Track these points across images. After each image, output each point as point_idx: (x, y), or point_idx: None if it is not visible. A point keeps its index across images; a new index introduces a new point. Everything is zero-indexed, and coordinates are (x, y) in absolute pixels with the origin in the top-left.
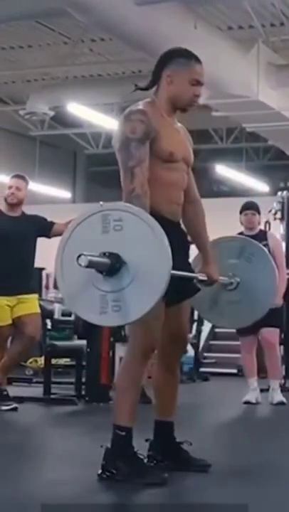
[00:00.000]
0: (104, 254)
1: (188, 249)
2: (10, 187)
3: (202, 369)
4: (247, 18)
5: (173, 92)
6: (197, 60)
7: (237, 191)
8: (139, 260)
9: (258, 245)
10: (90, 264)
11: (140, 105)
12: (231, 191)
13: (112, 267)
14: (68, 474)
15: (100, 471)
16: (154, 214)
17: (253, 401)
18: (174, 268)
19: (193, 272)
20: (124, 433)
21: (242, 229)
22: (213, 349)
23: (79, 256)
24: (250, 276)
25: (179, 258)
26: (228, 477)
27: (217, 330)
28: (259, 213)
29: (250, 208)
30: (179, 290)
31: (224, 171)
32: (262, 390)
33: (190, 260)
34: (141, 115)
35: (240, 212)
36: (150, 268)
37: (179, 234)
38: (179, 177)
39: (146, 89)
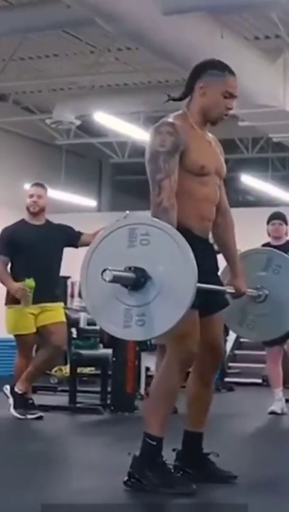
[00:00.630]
0: (129, 268)
1: (216, 263)
2: (31, 195)
3: (227, 379)
4: (273, 27)
5: (205, 103)
6: (231, 72)
7: (263, 201)
8: (164, 275)
9: (285, 257)
10: (115, 279)
11: (170, 118)
12: (257, 201)
13: (137, 281)
14: (94, 483)
15: (126, 478)
16: (183, 230)
17: (279, 411)
18: (202, 282)
19: (222, 285)
20: (154, 442)
21: (268, 239)
22: (238, 359)
23: (104, 271)
24: (279, 288)
25: (208, 273)
26: (254, 488)
27: (242, 340)
28: (286, 223)
29: (278, 217)
30: (208, 303)
31: (250, 180)
32: (287, 401)
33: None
34: (170, 128)
35: (268, 223)
36: (176, 282)
37: (208, 249)
38: (211, 191)
39: (179, 99)
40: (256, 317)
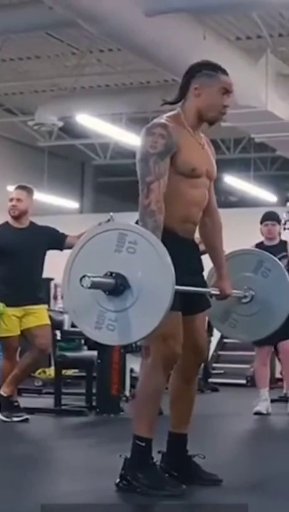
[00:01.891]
0: (110, 273)
1: (201, 263)
2: (11, 199)
3: (211, 380)
4: (255, 28)
5: (201, 104)
6: (224, 71)
7: (245, 202)
8: (144, 284)
9: (276, 262)
10: (93, 286)
11: (163, 119)
12: (239, 202)
13: (116, 287)
14: (83, 485)
15: (117, 480)
16: (167, 232)
17: (264, 412)
18: (186, 284)
19: (206, 286)
20: (143, 444)
21: (250, 240)
22: (222, 360)
23: (83, 277)
24: (266, 291)
25: (192, 273)
26: (242, 490)
27: (226, 340)
28: (279, 224)
29: (271, 218)
30: (192, 303)
31: (232, 181)
32: (272, 401)
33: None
34: (162, 129)
35: (261, 223)
36: (154, 290)
37: (192, 250)
38: (201, 194)
39: (174, 103)
40: (240, 317)
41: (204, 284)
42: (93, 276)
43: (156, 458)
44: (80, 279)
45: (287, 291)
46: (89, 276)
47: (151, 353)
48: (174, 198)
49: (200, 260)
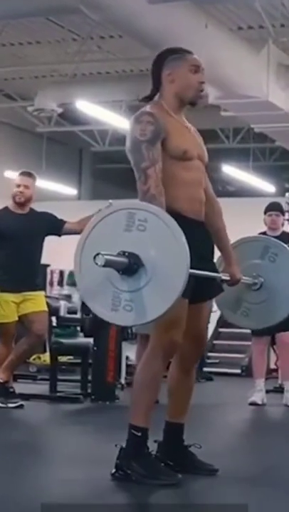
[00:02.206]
0: (123, 253)
1: (212, 249)
2: (18, 185)
3: (206, 369)
4: (257, 18)
5: (177, 88)
6: (188, 51)
7: (243, 191)
8: (157, 262)
9: (282, 245)
10: (107, 264)
11: (147, 108)
12: (237, 191)
13: (129, 267)
14: (78, 473)
15: (113, 471)
16: (175, 214)
17: (259, 402)
18: (197, 268)
19: (217, 272)
20: (139, 433)
21: (248, 229)
22: (217, 349)
23: (96, 255)
24: (274, 276)
25: (203, 258)
26: (237, 481)
27: (221, 330)
28: (283, 214)
29: (275, 209)
30: (202, 289)
31: (230, 171)
32: (267, 391)
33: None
34: (149, 117)
35: (265, 213)
36: (168, 270)
37: (203, 234)
38: (197, 175)
39: (151, 97)
40: (251, 305)
41: (215, 271)
42: (107, 254)
43: (152, 447)
44: (94, 257)
45: None
46: (103, 254)
47: (151, 340)
48: (173, 181)
49: (211, 245)
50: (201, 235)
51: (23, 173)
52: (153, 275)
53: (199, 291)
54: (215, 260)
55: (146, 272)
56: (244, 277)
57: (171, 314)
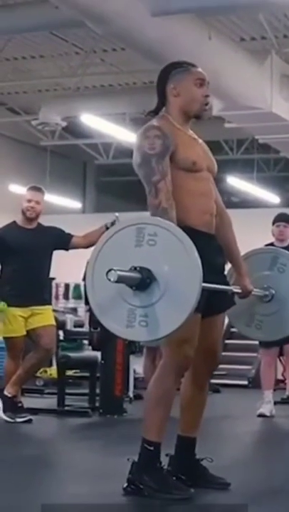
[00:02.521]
0: (135, 268)
1: (224, 262)
2: (29, 200)
3: (213, 380)
4: (260, 29)
5: (182, 101)
6: (193, 64)
7: (247, 202)
8: (170, 276)
9: None
10: (120, 280)
11: (154, 122)
12: (241, 202)
13: (142, 282)
14: (90, 488)
15: (125, 485)
16: (186, 227)
17: (268, 414)
18: (209, 282)
19: (228, 285)
20: (152, 448)
21: (253, 241)
22: (224, 360)
23: (109, 271)
24: (285, 287)
25: (214, 272)
26: (249, 495)
27: (227, 341)
28: None
29: (283, 219)
30: (214, 303)
31: (235, 182)
32: (276, 403)
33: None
34: (156, 130)
35: (273, 224)
36: (181, 284)
37: (214, 246)
38: (206, 186)
39: (156, 111)
40: (263, 317)
41: (226, 284)
42: (119, 270)
43: (164, 461)
44: (107, 273)
45: None
46: (115, 270)
47: (164, 355)
48: (182, 194)
49: (222, 258)
50: (213, 247)
51: (33, 188)
52: (166, 290)
53: (211, 304)
54: (226, 273)
55: (159, 286)
56: (255, 289)
57: (183, 329)
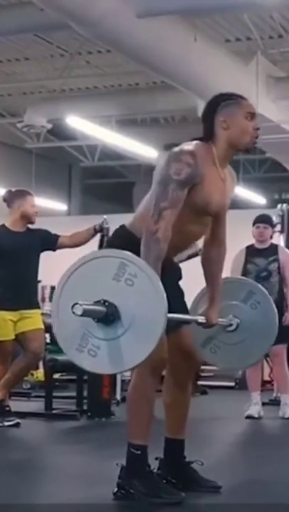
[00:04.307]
0: (103, 301)
1: (179, 285)
2: (33, 205)
3: (200, 382)
4: (245, 30)
5: (232, 134)
6: (242, 96)
7: (233, 204)
8: (136, 315)
9: (266, 295)
10: (85, 314)
11: (194, 147)
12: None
13: (106, 317)
14: (79, 492)
15: (115, 490)
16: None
17: (256, 415)
18: (170, 309)
19: (186, 308)
20: (139, 452)
21: (238, 242)
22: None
23: (74, 304)
24: (252, 323)
25: (175, 297)
26: (239, 497)
27: None
28: (272, 226)
29: (263, 221)
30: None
31: None
32: (264, 404)
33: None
34: (190, 158)
35: (253, 225)
36: (145, 322)
37: (174, 271)
38: (200, 231)
39: (203, 140)
40: (222, 344)
41: (184, 305)
42: (85, 304)
43: (154, 464)
44: (72, 306)
45: (272, 327)
46: (80, 304)
47: None
48: (176, 228)
49: (179, 278)
50: (173, 272)
51: (30, 193)
52: (130, 327)
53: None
54: (193, 297)
55: (123, 323)
56: (220, 319)
57: None
